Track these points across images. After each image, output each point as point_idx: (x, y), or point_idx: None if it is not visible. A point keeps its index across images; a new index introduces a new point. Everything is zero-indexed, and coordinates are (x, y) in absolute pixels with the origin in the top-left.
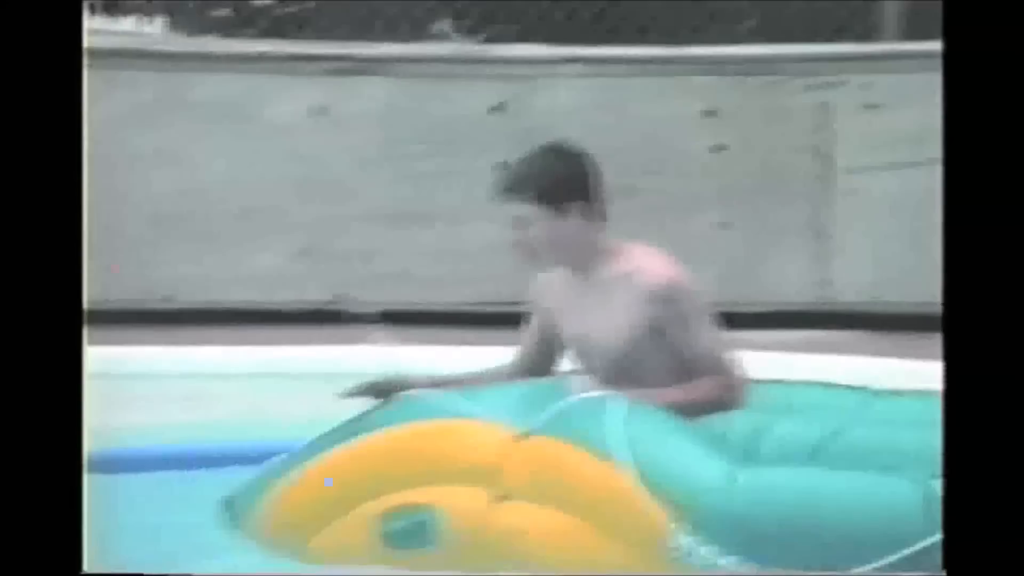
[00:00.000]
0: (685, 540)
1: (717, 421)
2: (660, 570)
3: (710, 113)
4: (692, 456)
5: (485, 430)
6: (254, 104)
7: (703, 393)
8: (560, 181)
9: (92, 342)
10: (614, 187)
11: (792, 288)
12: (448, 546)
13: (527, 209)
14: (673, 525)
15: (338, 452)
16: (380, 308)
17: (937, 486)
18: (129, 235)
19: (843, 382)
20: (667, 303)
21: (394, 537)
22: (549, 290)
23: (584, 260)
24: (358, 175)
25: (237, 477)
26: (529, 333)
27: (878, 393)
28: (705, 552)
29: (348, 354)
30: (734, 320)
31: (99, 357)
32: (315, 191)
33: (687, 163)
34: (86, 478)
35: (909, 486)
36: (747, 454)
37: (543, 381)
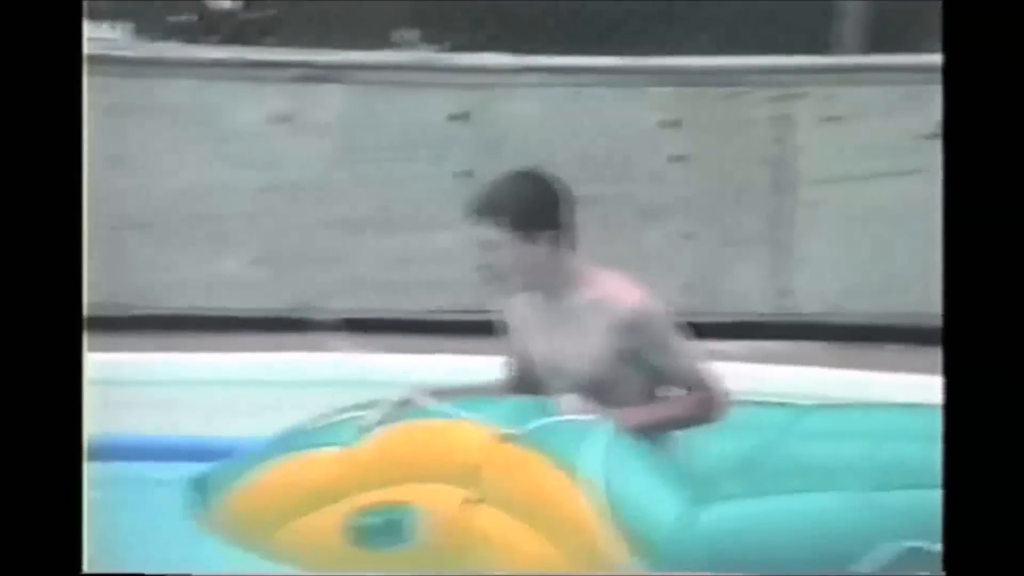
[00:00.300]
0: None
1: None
2: None
3: (672, 123)
4: (657, 492)
5: (468, 431)
6: (216, 110)
7: (685, 408)
8: (532, 207)
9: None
10: (575, 196)
11: (752, 299)
12: (420, 545)
13: (496, 233)
14: (632, 559)
15: (318, 449)
16: (342, 315)
17: (878, 497)
18: (88, 240)
19: (801, 393)
20: (637, 331)
21: (364, 534)
22: (519, 311)
23: (552, 286)
24: (320, 182)
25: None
26: (512, 352)
27: (807, 408)
28: None
29: (310, 361)
30: (695, 330)
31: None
32: (277, 197)
33: (648, 173)
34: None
35: (846, 500)
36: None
37: (536, 398)
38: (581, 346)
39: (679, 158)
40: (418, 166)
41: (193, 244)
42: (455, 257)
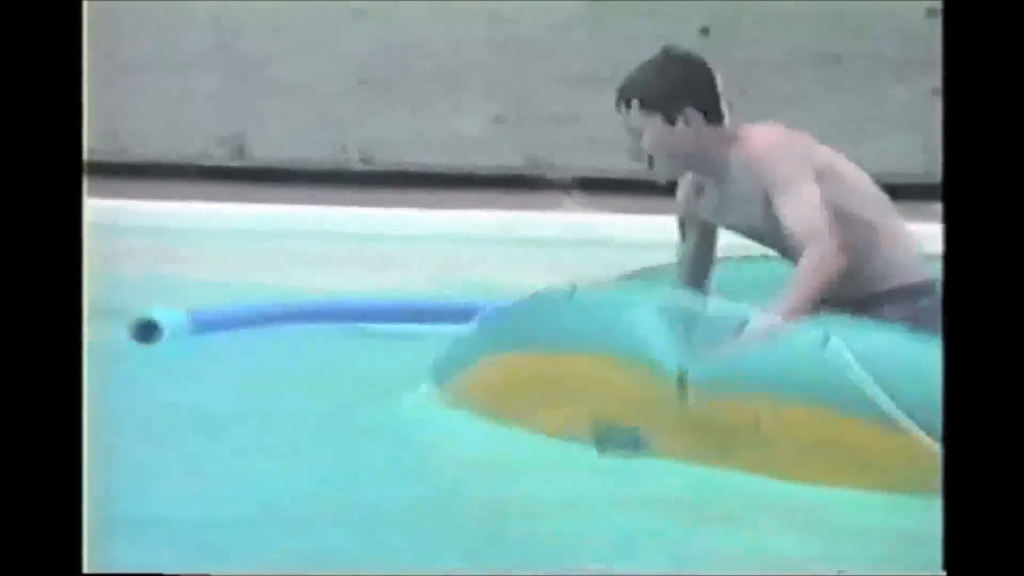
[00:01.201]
0: None
1: None
2: None
3: None
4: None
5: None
6: None
7: (810, 281)
8: (667, 88)
9: (292, 200)
10: (820, 54)
11: None
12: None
13: (637, 118)
14: None
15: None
16: (575, 174)
17: None
18: (331, 93)
19: None
20: (764, 168)
21: (605, 445)
22: (691, 198)
23: (705, 165)
24: (559, 38)
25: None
26: (682, 237)
27: None
28: None
29: (542, 219)
30: (932, 192)
31: (303, 215)
32: (515, 53)
33: (899, 27)
34: None
35: None
36: None
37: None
38: (740, 213)
39: (933, 12)
40: (660, 22)
41: (430, 100)
42: None
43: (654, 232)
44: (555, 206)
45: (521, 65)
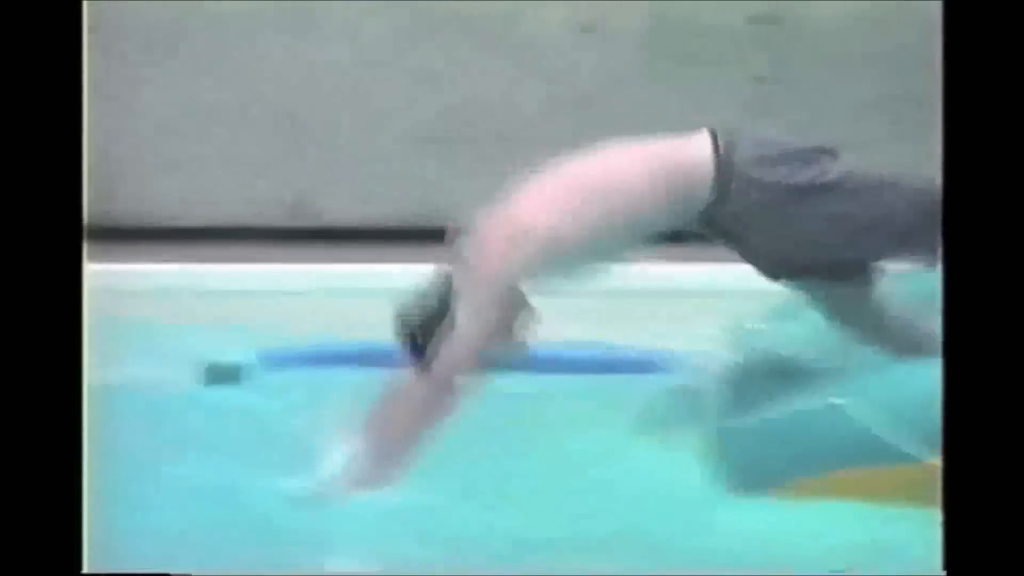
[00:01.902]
0: None
1: None
2: None
3: None
4: None
5: None
6: (517, 21)
7: (404, 409)
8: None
9: (342, 259)
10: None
11: None
12: None
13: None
14: None
15: None
16: None
17: None
18: (389, 156)
19: None
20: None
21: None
22: None
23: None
24: (615, 93)
25: None
26: None
27: None
28: None
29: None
30: None
31: (365, 274)
32: (574, 111)
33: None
34: None
35: None
36: None
37: None
38: None
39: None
40: (716, 72)
41: (488, 160)
42: None
43: (704, 280)
44: None
45: (578, 121)
